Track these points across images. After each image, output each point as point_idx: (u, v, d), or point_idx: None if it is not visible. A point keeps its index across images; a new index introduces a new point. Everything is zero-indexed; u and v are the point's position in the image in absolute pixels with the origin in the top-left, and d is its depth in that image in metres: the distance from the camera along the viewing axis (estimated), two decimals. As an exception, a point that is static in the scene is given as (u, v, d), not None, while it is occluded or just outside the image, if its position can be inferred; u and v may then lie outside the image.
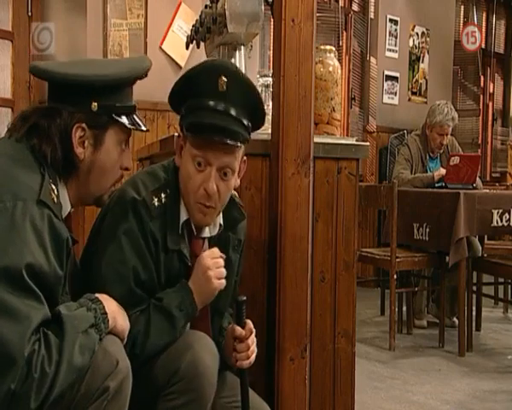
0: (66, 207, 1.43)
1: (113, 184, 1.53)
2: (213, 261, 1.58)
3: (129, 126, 1.48)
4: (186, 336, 1.54)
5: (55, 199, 1.34)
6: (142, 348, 1.50)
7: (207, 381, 1.47)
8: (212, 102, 1.52)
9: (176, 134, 1.76)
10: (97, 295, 1.36)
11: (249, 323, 1.65)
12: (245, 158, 1.65)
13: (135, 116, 1.51)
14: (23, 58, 4.26)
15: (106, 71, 1.45)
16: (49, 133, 1.39)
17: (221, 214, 1.68)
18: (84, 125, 1.42)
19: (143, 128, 1.52)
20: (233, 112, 1.53)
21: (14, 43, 4.26)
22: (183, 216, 1.60)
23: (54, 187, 1.36)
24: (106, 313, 1.33)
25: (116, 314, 1.38)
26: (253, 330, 1.67)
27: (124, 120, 1.47)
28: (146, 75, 1.52)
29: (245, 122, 1.56)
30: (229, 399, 1.69)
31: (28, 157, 1.36)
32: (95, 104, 1.42)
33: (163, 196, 1.57)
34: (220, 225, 1.69)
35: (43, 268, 1.24)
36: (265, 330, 2.00)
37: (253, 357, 1.64)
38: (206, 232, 1.67)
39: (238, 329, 1.62)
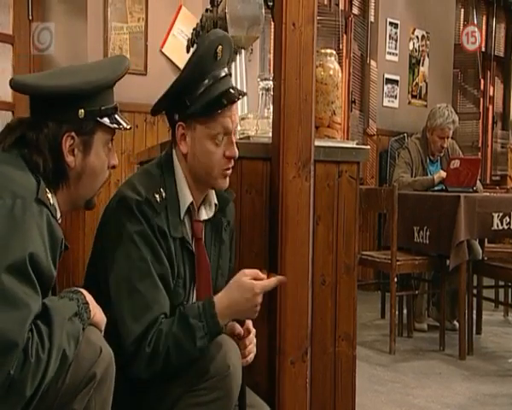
0: (57, 215, 1.44)
1: (102, 184, 1.55)
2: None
3: (113, 127, 1.50)
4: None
5: (51, 201, 1.37)
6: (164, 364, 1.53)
7: (236, 381, 1.53)
8: (214, 74, 1.65)
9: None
10: (76, 287, 1.38)
11: (248, 323, 1.67)
12: None
13: (117, 116, 1.53)
14: (24, 61, 4.26)
15: (91, 77, 1.46)
16: (37, 145, 1.40)
17: (214, 193, 1.75)
18: (73, 133, 1.43)
19: (127, 127, 1.54)
20: (228, 72, 1.70)
21: (15, 46, 4.26)
22: (188, 199, 1.67)
23: (48, 191, 1.38)
24: (87, 303, 1.35)
25: (94, 306, 1.39)
26: (252, 329, 1.69)
27: (107, 121, 1.49)
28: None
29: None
30: None
31: (21, 163, 1.38)
32: (81, 111, 1.44)
33: (162, 190, 1.63)
34: (215, 204, 1.75)
35: (43, 262, 1.26)
36: (266, 333, 2.00)
37: (250, 356, 1.67)
38: (204, 215, 1.74)
39: (237, 327, 1.64)
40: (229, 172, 1.69)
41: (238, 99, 1.68)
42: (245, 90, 2.46)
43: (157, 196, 1.61)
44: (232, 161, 1.68)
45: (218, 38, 1.67)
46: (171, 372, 1.54)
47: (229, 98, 1.64)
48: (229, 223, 1.82)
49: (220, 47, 1.64)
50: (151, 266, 1.56)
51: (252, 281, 1.56)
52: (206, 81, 1.63)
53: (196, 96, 1.62)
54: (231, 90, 1.66)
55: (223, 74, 1.66)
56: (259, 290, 1.55)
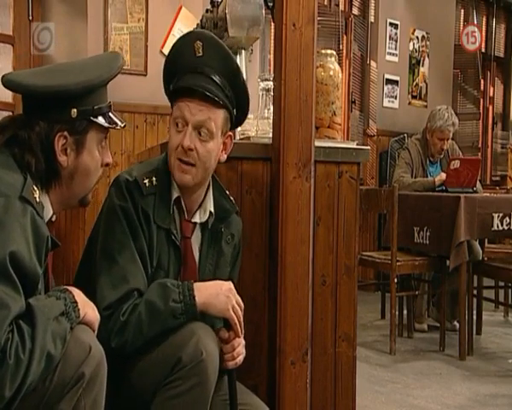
0: (48, 213, 1.44)
1: (96, 182, 1.56)
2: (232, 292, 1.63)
3: (106, 126, 1.50)
4: (188, 324, 1.57)
5: (38, 199, 1.35)
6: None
7: (211, 365, 1.51)
8: (187, 66, 1.66)
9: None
10: (66, 286, 1.36)
11: (235, 327, 1.67)
12: (230, 134, 1.74)
13: (111, 114, 1.52)
14: (24, 62, 4.26)
15: (81, 77, 1.45)
16: (30, 144, 1.39)
17: (212, 202, 1.76)
18: (65, 133, 1.43)
19: (120, 125, 1.54)
20: (206, 71, 1.65)
21: (15, 46, 4.26)
22: (174, 194, 1.70)
23: (36, 189, 1.37)
24: (76, 302, 1.33)
25: (85, 305, 1.37)
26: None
27: (101, 120, 1.49)
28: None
29: (218, 82, 1.66)
30: (226, 397, 1.70)
31: (10, 161, 1.37)
32: (74, 111, 1.43)
33: (154, 179, 1.68)
34: (211, 212, 1.75)
35: (25, 260, 1.25)
36: (266, 334, 2.00)
37: (239, 358, 1.66)
38: (197, 217, 1.74)
39: (224, 331, 1.65)
40: (187, 168, 1.65)
41: (195, 95, 1.63)
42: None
43: (146, 180, 1.66)
44: (189, 157, 1.64)
45: (198, 34, 1.70)
46: (141, 345, 1.54)
47: (184, 92, 1.64)
48: (234, 237, 1.80)
49: (199, 43, 1.64)
50: (131, 241, 1.61)
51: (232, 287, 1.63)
52: (181, 70, 1.66)
53: (174, 81, 1.68)
54: (193, 87, 1.63)
55: (190, 69, 1.65)
56: (233, 294, 1.62)
